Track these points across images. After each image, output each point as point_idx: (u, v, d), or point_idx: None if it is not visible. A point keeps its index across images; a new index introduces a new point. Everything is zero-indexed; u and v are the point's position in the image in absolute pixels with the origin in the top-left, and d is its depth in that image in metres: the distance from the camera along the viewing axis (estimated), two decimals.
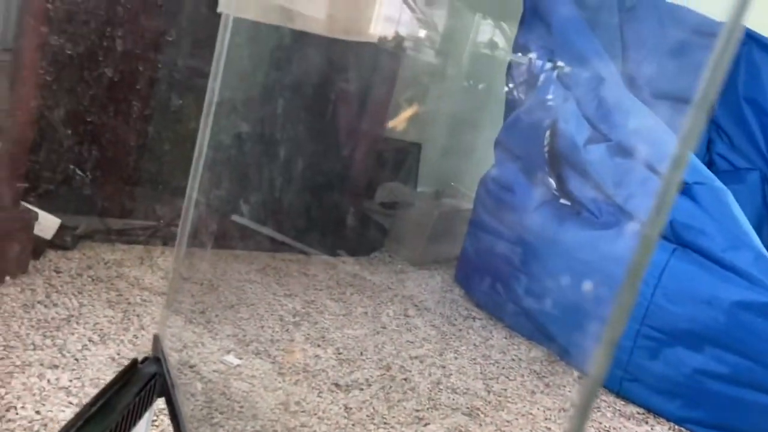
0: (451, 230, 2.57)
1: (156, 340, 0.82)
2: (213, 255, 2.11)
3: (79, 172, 1.90)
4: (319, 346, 1.75)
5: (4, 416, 1.17)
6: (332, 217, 2.51)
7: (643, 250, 0.43)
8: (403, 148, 2.85)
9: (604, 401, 1.82)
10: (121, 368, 1.42)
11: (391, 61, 2.46)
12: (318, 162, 2.34)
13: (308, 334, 1.80)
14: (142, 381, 0.74)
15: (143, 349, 1.51)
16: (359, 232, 2.59)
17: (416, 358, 1.81)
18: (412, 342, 1.90)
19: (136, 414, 0.73)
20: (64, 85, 1.79)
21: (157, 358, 0.78)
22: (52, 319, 1.54)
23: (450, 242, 2.56)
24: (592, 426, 1.68)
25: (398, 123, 2.75)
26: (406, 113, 2.78)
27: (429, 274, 2.51)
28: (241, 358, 1.58)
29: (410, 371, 1.73)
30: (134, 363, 0.75)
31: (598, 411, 1.76)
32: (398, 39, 2.44)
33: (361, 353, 1.76)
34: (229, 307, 1.86)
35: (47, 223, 1.80)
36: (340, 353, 1.73)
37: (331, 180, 2.47)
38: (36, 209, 1.75)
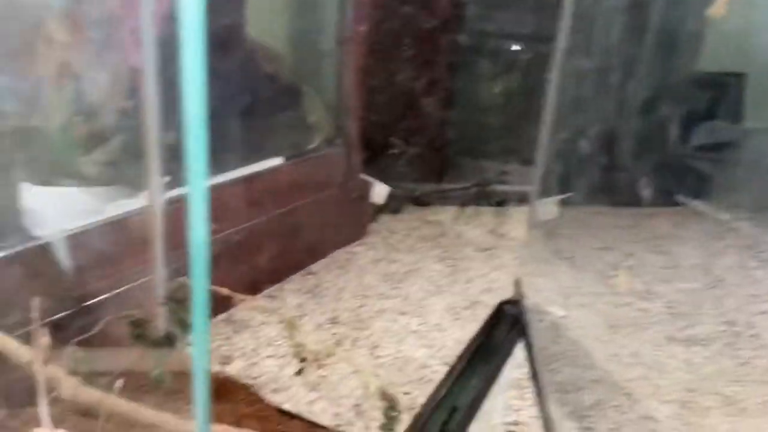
0: None
1: (516, 284, 0.87)
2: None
3: (401, 143, 2.11)
4: (645, 299, 1.66)
5: (373, 352, 1.38)
6: (642, 166, 2.35)
7: None
8: (721, 81, 2.50)
9: None
10: (457, 316, 1.55)
11: None
12: (627, 107, 2.20)
13: (632, 288, 1.73)
14: (509, 323, 0.79)
15: (473, 300, 1.62)
16: (672, 180, 2.37)
17: (764, 313, 1.60)
18: (756, 296, 1.69)
19: (506, 354, 0.79)
20: (423, 57, 2.00)
21: (517, 300, 0.83)
22: (394, 273, 1.75)
23: None
24: None
25: (715, 53, 2.42)
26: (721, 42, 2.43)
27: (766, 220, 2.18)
28: (566, 310, 1.59)
29: (758, 327, 1.54)
30: (500, 305, 0.81)
31: None
32: None
33: (697, 308, 1.62)
34: (544, 261, 1.89)
35: (380, 191, 2.05)
36: (671, 307, 1.62)
37: (640, 126, 2.30)
38: (370, 178, 2.00)
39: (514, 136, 2.27)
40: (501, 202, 2.16)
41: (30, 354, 0.70)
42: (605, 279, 1.77)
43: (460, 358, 0.69)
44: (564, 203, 2.23)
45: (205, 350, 0.29)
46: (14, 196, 1.32)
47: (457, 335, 1.45)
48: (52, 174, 1.42)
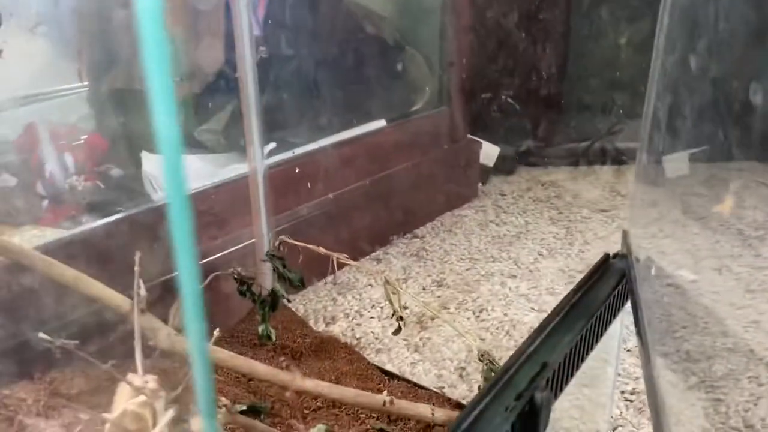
0: None
1: (624, 236, 0.79)
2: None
3: (511, 101, 2.01)
4: None
5: (479, 316, 1.33)
6: None
7: None
8: None
9: None
10: (571, 280, 1.45)
11: None
12: None
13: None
14: (615, 277, 0.72)
15: (590, 263, 1.51)
16: None
17: None
18: None
19: (611, 311, 0.72)
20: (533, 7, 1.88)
21: (625, 255, 0.75)
22: (504, 235, 1.68)
23: None
24: None
25: None
26: None
27: None
28: (697, 273, 1.44)
29: None
30: (606, 258, 0.73)
31: None
32: None
33: None
34: (672, 222, 1.72)
35: (489, 152, 1.97)
36: None
37: None
38: (478, 139, 1.92)
39: (636, 88, 2.09)
40: (621, 160, 2.00)
41: (128, 304, 0.74)
42: (746, 240, 1.58)
43: (555, 311, 0.63)
44: (695, 158, 2.02)
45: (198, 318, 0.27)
46: (135, 163, 1.41)
47: None
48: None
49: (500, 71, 2.02)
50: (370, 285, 1.46)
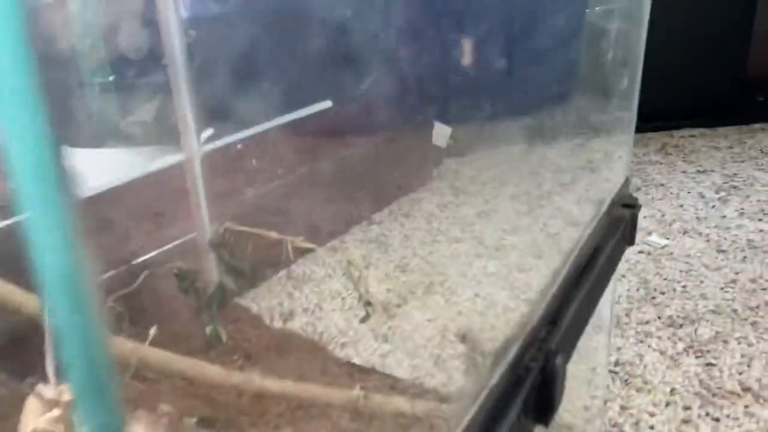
0: None
1: (627, 183, 0.70)
2: None
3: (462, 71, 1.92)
4: (760, 220, 1.44)
5: (449, 299, 1.24)
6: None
7: None
8: None
9: None
10: (539, 256, 1.37)
11: None
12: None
13: (741, 209, 1.50)
14: (623, 229, 0.63)
15: (553, 236, 1.45)
16: None
17: None
18: None
19: (613, 266, 0.63)
20: None
21: (633, 205, 0.66)
22: (465, 215, 1.59)
23: None
24: None
25: None
26: None
27: None
28: (667, 239, 1.39)
29: None
30: (610, 208, 0.65)
31: None
32: None
33: None
34: (635, 189, 1.68)
35: (441, 132, 1.88)
36: None
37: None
38: (432, 119, 1.83)
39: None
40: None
41: (37, 304, 0.60)
42: (709, 202, 1.55)
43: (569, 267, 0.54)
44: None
45: None
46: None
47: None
48: (94, 136, 1.35)
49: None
50: (329, 275, 1.34)
